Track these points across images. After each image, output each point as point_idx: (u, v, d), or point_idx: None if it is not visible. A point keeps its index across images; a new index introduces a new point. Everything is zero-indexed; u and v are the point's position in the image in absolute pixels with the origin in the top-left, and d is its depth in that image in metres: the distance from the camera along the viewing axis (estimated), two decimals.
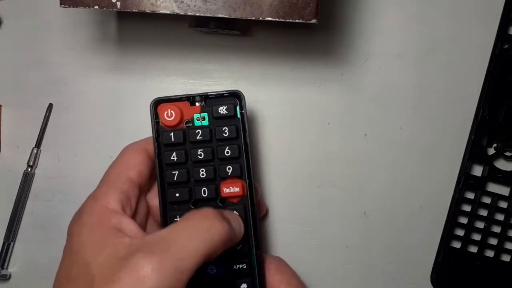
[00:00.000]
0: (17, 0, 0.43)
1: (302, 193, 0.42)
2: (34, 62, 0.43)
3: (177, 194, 0.36)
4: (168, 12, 0.33)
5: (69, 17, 0.42)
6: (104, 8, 0.33)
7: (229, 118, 0.36)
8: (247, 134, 0.36)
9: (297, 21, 0.33)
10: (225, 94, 0.36)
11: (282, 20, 0.33)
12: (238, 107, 0.36)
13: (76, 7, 0.33)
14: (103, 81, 0.42)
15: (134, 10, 0.33)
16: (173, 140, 0.36)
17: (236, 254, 0.36)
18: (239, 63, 0.42)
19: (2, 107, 0.43)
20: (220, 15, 0.33)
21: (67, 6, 0.33)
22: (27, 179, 0.43)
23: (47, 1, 0.42)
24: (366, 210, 0.42)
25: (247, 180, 0.36)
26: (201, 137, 0.36)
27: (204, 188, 0.36)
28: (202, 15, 0.33)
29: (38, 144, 0.43)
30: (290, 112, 0.42)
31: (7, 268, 0.43)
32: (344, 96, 0.42)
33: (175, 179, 0.36)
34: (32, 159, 0.43)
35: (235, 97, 0.36)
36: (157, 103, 0.36)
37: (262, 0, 0.32)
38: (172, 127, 0.36)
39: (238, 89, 0.36)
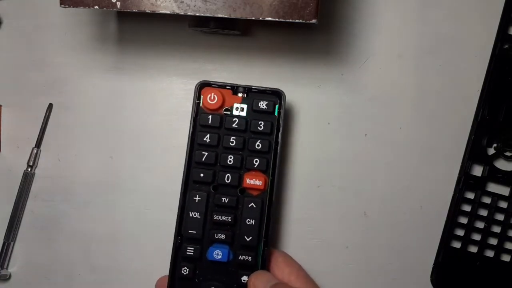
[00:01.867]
0: (17, 0, 0.43)
1: (302, 193, 0.42)
2: (34, 62, 0.43)
3: (202, 175, 0.37)
4: (168, 12, 0.33)
5: (69, 17, 0.42)
6: (104, 8, 0.33)
7: (267, 114, 0.37)
8: (280, 133, 0.37)
9: (297, 21, 0.33)
10: (267, 91, 0.37)
11: (282, 20, 0.33)
12: (277, 106, 0.37)
13: (76, 7, 0.33)
14: (103, 81, 0.42)
15: (134, 10, 0.33)
16: (210, 122, 0.37)
17: (244, 245, 0.37)
18: (239, 63, 0.42)
19: (2, 107, 0.43)
20: (220, 15, 0.33)
21: (67, 6, 0.33)
22: (27, 179, 0.43)
23: (47, 1, 0.42)
24: (366, 210, 0.42)
25: (271, 177, 0.37)
26: (236, 126, 0.37)
27: (228, 174, 0.37)
28: (202, 15, 0.33)
29: (38, 144, 0.43)
30: (290, 112, 0.42)
31: (7, 268, 0.43)
32: (344, 96, 0.42)
33: (203, 159, 0.37)
34: (32, 159, 0.43)
35: (276, 95, 0.37)
36: (202, 86, 0.37)
37: (262, 0, 0.32)
38: (212, 111, 0.37)
39: (281, 89, 0.37)
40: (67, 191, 0.43)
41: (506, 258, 0.41)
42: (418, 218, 0.42)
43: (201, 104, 0.37)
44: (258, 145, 0.37)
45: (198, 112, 0.37)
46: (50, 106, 0.43)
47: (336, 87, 0.42)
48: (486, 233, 0.41)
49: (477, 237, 0.41)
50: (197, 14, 0.33)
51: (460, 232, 0.41)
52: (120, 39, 0.42)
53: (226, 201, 0.37)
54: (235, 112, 0.37)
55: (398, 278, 0.42)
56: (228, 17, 0.33)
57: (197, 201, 0.37)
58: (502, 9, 0.41)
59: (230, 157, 0.37)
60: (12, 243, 0.43)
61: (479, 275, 0.41)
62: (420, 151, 0.42)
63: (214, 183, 0.37)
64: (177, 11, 0.33)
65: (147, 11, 0.33)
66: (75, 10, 0.42)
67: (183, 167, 0.37)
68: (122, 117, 0.42)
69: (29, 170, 0.43)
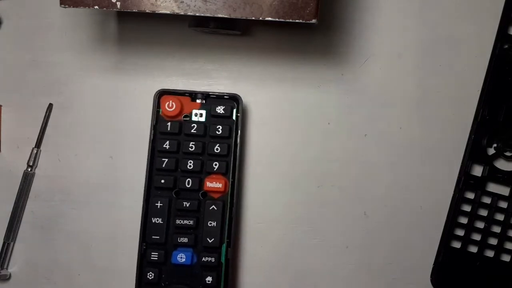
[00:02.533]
0: (17, 0, 0.43)
1: (302, 193, 0.42)
2: (34, 62, 0.43)
3: (162, 181, 0.38)
4: (168, 12, 0.33)
5: (69, 17, 0.42)
6: (104, 8, 0.33)
7: (225, 118, 0.38)
8: (238, 136, 0.38)
9: (297, 21, 0.33)
10: (225, 96, 0.38)
11: (282, 20, 0.33)
12: (235, 110, 0.38)
13: (76, 7, 0.33)
14: (103, 81, 0.42)
15: (134, 10, 0.33)
16: (169, 129, 0.38)
17: (207, 247, 0.37)
18: (239, 63, 0.42)
19: (2, 107, 0.43)
20: (220, 15, 0.33)
21: (67, 6, 0.33)
22: (27, 179, 0.43)
23: (47, 1, 0.42)
24: (366, 210, 0.42)
25: (231, 179, 0.38)
26: (195, 131, 0.38)
27: (189, 179, 0.38)
28: (202, 15, 0.33)
29: (38, 144, 0.43)
30: (290, 112, 0.42)
31: (7, 268, 0.43)
32: (344, 96, 0.42)
33: (163, 166, 0.38)
34: (32, 159, 0.43)
35: (233, 100, 0.38)
36: (161, 94, 0.38)
37: (262, 0, 0.32)
38: (171, 118, 0.38)
39: (238, 93, 0.38)
40: (67, 191, 0.43)
41: (506, 258, 0.41)
42: (418, 218, 0.42)
43: (160, 113, 0.38)
44: (217, 149, 0.38)
45: (158, 120, 0.38)
46: (50, 106, 0.43)
47: (336, 87, 0.42)
48: (486, 233, 0.41)
49: (477, 237, 0.41)
50: (197, 14, 0.33)
51: (460, 232, 0.41)
52: (120, 39, 0.42)
53: (187, 206, 0.37)
54: (194, 118, 0.38)
55: (398, 278, 0.42)
56: (228, 17, 0.33)
57: (159, 207, 0.37)
58: (502, 9, 0.41)
59: (190, 162, 0.38)
60: (12, 243, 0.43)
61: (479, 275, 0.41)
62: (420, 151, 0.42)
63: (176, 188, 0.38)
64: (177, 11, 0.33)
65: (147, 11, 0.33)
66: (75, 10, 0.42)
67: (145, 174, 0.38)
68: (122, 117, 0.42)
69: (29, 170, 0.43)
